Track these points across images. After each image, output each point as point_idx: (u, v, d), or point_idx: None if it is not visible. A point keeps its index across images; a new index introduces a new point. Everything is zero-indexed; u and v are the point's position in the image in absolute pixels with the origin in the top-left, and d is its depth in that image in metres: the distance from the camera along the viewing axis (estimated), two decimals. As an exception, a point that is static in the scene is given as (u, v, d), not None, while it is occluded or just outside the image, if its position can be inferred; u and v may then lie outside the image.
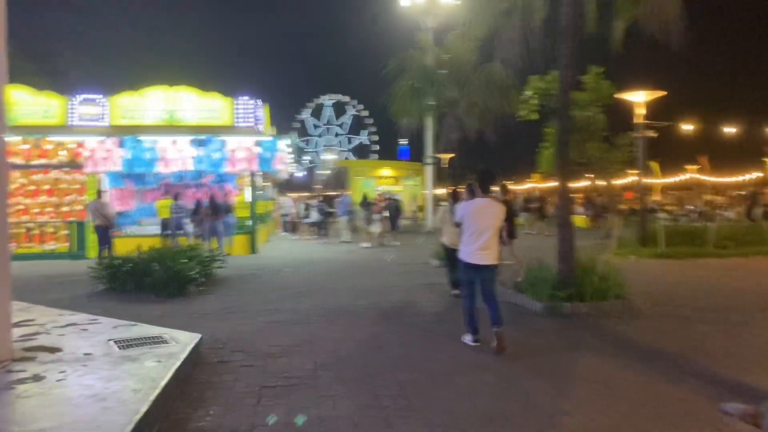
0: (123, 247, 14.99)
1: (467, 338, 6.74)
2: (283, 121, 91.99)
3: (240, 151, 17.24)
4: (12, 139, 16.65)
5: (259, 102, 18.32)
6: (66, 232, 17.58)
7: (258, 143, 17.36)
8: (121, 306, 9.61)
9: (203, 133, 17.26)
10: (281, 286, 11.53)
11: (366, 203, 18.54)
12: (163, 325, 7.18)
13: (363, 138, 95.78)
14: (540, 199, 29.09)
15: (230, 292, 10.91)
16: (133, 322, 7.30)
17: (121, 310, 9.03)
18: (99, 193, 15.23)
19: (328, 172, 61.82)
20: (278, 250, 18.89)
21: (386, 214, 18.71)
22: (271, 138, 17.72)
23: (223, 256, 14.00)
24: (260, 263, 15.50)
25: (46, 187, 18.90)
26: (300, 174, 64.41)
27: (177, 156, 17.12)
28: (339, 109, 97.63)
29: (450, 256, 9.10)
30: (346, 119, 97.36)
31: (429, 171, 27.95)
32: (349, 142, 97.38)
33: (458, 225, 6.71)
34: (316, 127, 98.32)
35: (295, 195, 30.53)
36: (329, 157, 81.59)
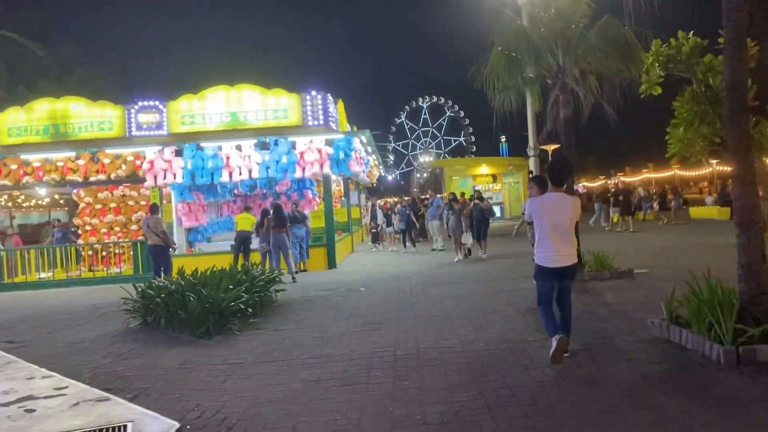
0: (189, 267, 13.24)
1: (552, 341, 5.69)
2: (380, 124, 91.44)
3: (310, 152, 15.09)
4: (67, 154, 15.41)
5: (330, 97, 16.10)
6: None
7: (329, 143, 15.12)
8: (139, 350, 7.60)
9: (269, 135, 15.26)
10: (349, 314, 9.10)
11: (454, 204, 15.66)
12: (169, 386, 4.97)
13: (460, 139, 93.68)
14: (624, 192, 25.23)
15: (283, 325, 8.61)
16: (105, 395, 5.12)
17: (133, 359, 7.11)
18: (152, 207, 13.54)
19: (426, 174, 59.77)
20: (359, 264, 16.57)
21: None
22: (343, 135, 15.42)
23: (286, 275, 11.86)
24: (335, 281, 13.21)
25: (113, 205, 17.72)
26: (390, 177, 62.38)
27: (241, 163, 15.23)
28: (435, 111, 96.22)
29: None
30: (443, 121, 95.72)
31: (532, 165, 24.79)
32: (447, 144, 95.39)
33: (529, 224, 6.13)
34: (413, 130, 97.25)
35: (382, 201, 28.21)
36: (426, 159, 79.81)
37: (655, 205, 28.09)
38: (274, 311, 9.82)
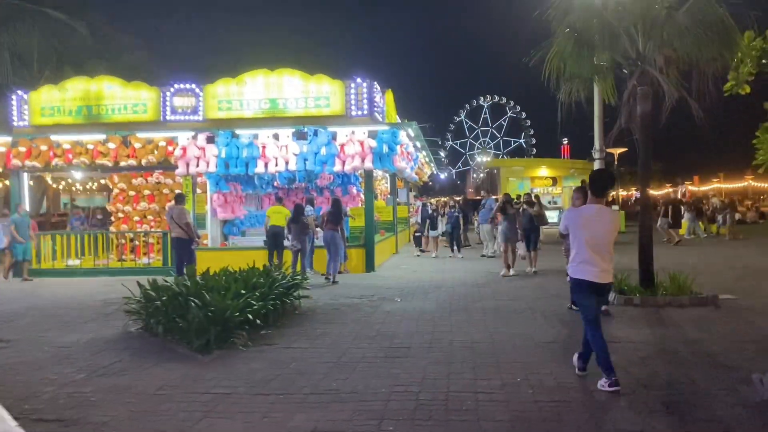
0: (220, 262, 12.28)
1: (604, 383, 5.20)
2: (438, 122, 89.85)
3: (351, 145, 13.81)
4: (96, 137, 14.63)
5: (376, 86, 14.80)
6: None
7: (372, 135, 13.81)
8: (123, 364, 6.52)
9: (309, 124, 14.07)
10: (375, 332, 7.78)
11: (508, 207, 13.44)
12: (131, 423, 3.73)
13: (520, 140, 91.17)
14: (673, 203, 22.98)
15: (296, 342, 7.37)
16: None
17: (109, 375, 6.10)
18: (177, 197, 12.53)
19: (482, 174, 58.03)
20: (400, 268, 15.22)
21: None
22: (387, 127, 14.08)
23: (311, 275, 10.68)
24: (369, 286, 11.92)
25: (147, 192, 16.94)
26: (443, 175, 60.66)
27: (278, 153, 14.10)
28: (496, 110, 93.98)
29: None
30: (503, 121, 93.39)
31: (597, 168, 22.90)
32: (506, 145, 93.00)
33: (563, 236, 5.96)
34: (472, 129, 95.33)
35: (434, 200, 26.51)
36: (483, 159, 77.65)
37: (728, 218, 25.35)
38: (292, 321, 8.60)
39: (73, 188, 20.79)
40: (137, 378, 5.98)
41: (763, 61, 15.24)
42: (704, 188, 79.89)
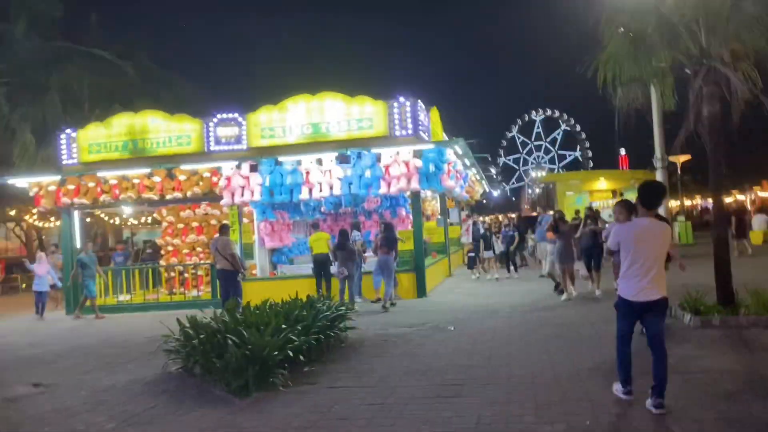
0: (269, 293, 11.98)
1: (617, 388, 5.39)
2: (491, 140, 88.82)
3: (396, 166, 13.33)
4: (142, 171, 14.64)
5: (421, 104, 14.33)
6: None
7: (418, 155, 13.30)
8: (156, 411, 6.15)
9: (352, 147, 13.69)
10: (426, 366, 7.17)
11: (561, 225, 12.16)
12: None
13: (576, 153, 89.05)
14: (737, 212, 21.25)
15: (340, 380, 6.84)
16: None
17: (140, 425, 5.78)
18: (222, 228, 12.28)
19: (537, 190, 56.71)
20: (453, 293, 14.54)
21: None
22: (432, 146, 13.54)
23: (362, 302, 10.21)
24: (421, 314, 11.31)
25: (195, 224, 16.86)
26: (496, 193, 59.49)
27: (322, 178, 13.74)
28: (549, 124, 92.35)
29: None
30: (557, 135, 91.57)
31: (660, 178, 21.72)
32: (561, 159, 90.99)
33: (611, 253, 5.86)
34: (524, 144, 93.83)
35: (487, 218, 25.52)
36: (538, 174, 76.03)
37: None
38: (338, 356, 8.09)
39: (130, 222, 21.08)
40: (167, 427, 5.56)
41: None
42: (741, 197, 75.26)
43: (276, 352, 6.82)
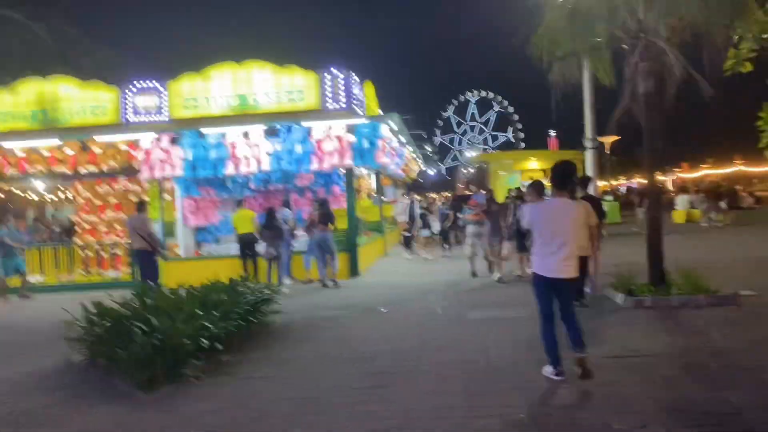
0: (193, 273, 11.21)
1: (548, 370, 5.35)
2: (428, 119, 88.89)
3: (328, 141, 12.75)
4: (54, 143, 13.48)
5: (354, 76, 13.74)
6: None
7: (351, 130, 12.76)
8: (50, 409, 5.45)
9: (282, 120, 13.00)
10: (354, 353, 6.74)
11: (491, 205, 11.76)
12: None
13: (508, 135, 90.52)
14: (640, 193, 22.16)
15: (259, 369, 6.31)
16: None
17: (27, 428, 4.86)
18: (139, 205, 11.41)
19: (471, 170, 57.15)
20: (387, 272, 14.16)
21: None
22: (367, 121, 13.01)
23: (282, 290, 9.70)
24: (353, 295, 10.88)
25: (113, 200, 15.76)
26: (432, 172, 59.63)
27: (249, 153, 13.01)
28: (483, 105, 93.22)
29: None
30: (490, 116, 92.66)
31: (589, 159, 21.93)
32: (494, 139, 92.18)
33: (526, 232, 5.93)
34: (459, 124, 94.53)
35: (420, 197, 25.24)
36: (472, 154, 76.67)
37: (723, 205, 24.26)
38: (261, 343, 7.54)
39: (49, 198, 19.59)
40: (58, 430, 4.91)
41: (764, 36, 14.27)
42: (693, 175, 79.10)
43: (188, 341, 6.22)
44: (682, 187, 40.17)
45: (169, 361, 6.05)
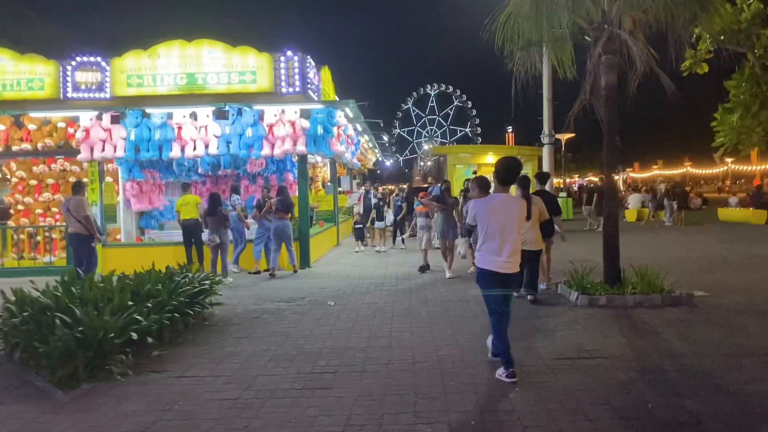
0: (136, 260, 10.73)
1: (501, 372, 5.13)
2: (388, 110, 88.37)
3: (281, 125, 12.23)
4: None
5: (310, 60, 13.24)
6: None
7: (306, 115, 12.27)
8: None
9: (233, 102, 12.40)
10: (297, 349, 6.32)
11: (447, 198, 11.22)
12: None
13: (466, 129, 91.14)
14: (596, 190, 22.41)
15: (192, 367, 5.83)
16: None
17: None
18: (75, 186, 10.65)
19: (429, 162, 57.09)
20: (339, 264, 13.75)
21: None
22: (322, 106, 12.53)
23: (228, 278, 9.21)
24: (300, 287, 10.45)
25: (51, 181, 14.88)
26: (389, 162, 59.32)
27: (196, 135, 12.38)
28: (443, 99, 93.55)
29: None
30: (450, 110, 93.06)
31: (546, 154, 21.95)
32: (452, 134, 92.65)
33: (470, 228, 5.96)
34: (419, 117, 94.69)
35: (380, 188, 24.71)
36: (430, 146, 76.71)
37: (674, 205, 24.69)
38: (198, 337, 7.05)
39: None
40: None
41: (722, 36, 14.32)
42: (645, 175, 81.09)
43: (114, 335, 5.69)
44: (633, 187, 41.02)
45: (92, 356, 5.53)
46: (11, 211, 15.13)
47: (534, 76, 9.24)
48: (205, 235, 11.53)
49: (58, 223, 14.47)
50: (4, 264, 13.45)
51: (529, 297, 8.38)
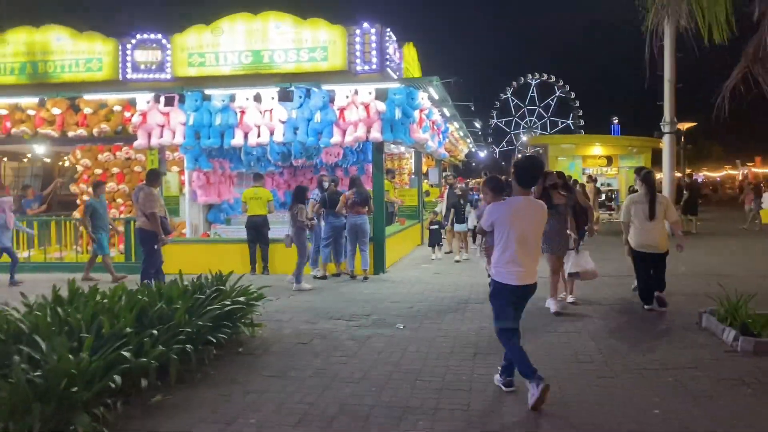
0: (193, 259, 10.05)
1: (499, 381, 4.93)
2: (485, 101, 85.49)
3: (353, 109, 10.55)
4: (32, 100, 11.72)
5: (390, 33, 11.46)
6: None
7: (381, 96, 10.51)
8: None
9: (301, 82, 10.86)
10: (337, 407, 4.58)
11: (555, 196, 7.60)
12: None
13: (568, 121, 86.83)
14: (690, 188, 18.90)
15: (197, 427, 4.22)
16: None
17: None
18: (150, 174, 9.28)
19: (527, 153, 54.21)
20: (419, 269, 11.88)
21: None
22: (399, 85, 10.69)
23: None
24: (368, 299, 8.73)
25: (116, 170, 14.01)
26: (482, 153, 56.54)
27: (260, 120, 10.93)
28: (544, 89, 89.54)
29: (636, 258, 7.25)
30: (551, 101, 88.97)
31: (668, 144, 18.95)
32: (553, 126, 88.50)
33: (483, 233, 5.19)
34: (518, 107, 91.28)
35: (459, 182, 21.63)
36: (529, 137, 73.23)
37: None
38: (222, 370, 5.48)
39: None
40: None
41: None
42: (717, 174, 72.02)
43: (87, 382, 4.16)
44: (756, 185, 36.31)
45: (52, 412, 4.04)
46: (78, 201, 14.41)
47: (654, 54, 7.22)
48: (282, 231, 10.09)
49: (121, 216, 13.56)
50: (64, 258, 12.63)
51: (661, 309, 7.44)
